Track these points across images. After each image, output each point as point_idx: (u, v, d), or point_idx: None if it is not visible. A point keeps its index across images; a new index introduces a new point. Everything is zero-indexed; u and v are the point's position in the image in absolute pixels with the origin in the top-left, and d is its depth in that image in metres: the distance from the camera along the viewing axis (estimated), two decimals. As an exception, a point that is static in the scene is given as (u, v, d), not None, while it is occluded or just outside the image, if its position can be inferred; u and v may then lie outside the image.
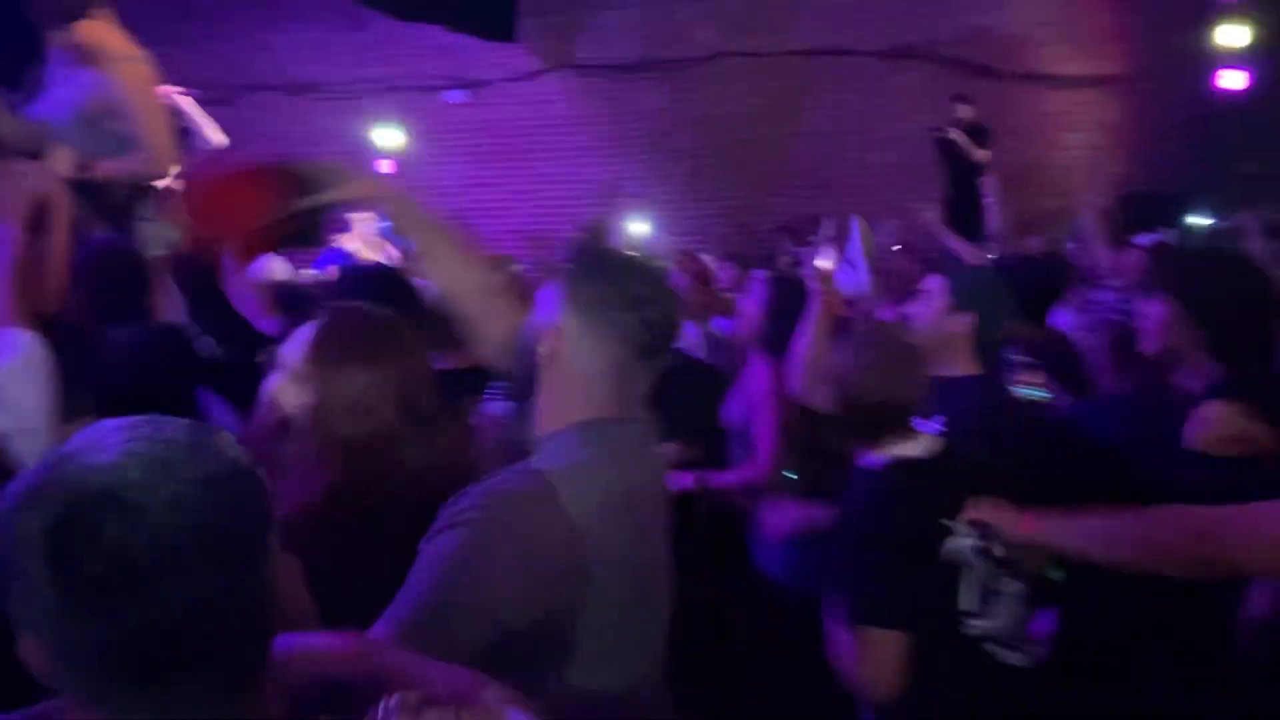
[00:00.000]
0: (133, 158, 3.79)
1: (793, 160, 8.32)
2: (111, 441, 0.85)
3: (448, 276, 1.76)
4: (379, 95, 8.72)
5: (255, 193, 1.77)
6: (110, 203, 3.72)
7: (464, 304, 1.74)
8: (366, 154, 8.33)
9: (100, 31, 3.94)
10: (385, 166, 8.08)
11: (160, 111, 4.10)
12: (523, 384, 1.48)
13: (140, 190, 3.79)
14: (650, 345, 1.46)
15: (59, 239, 2.07)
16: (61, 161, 3.68)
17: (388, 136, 8.55)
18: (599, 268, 1.53)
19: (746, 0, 8.55)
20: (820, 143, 8.27)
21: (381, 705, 0.82)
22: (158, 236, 3.63)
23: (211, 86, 8.12)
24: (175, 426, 0.88)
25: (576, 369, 1.46)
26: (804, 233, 5.95)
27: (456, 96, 8.74)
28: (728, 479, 3.00)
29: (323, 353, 1.60)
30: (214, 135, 4.36)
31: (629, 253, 1.79)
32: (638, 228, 7.92)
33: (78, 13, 3.80)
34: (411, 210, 1.80)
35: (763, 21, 8.50)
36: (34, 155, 3.62)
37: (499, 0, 7.94)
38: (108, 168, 3.74)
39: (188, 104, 4.57)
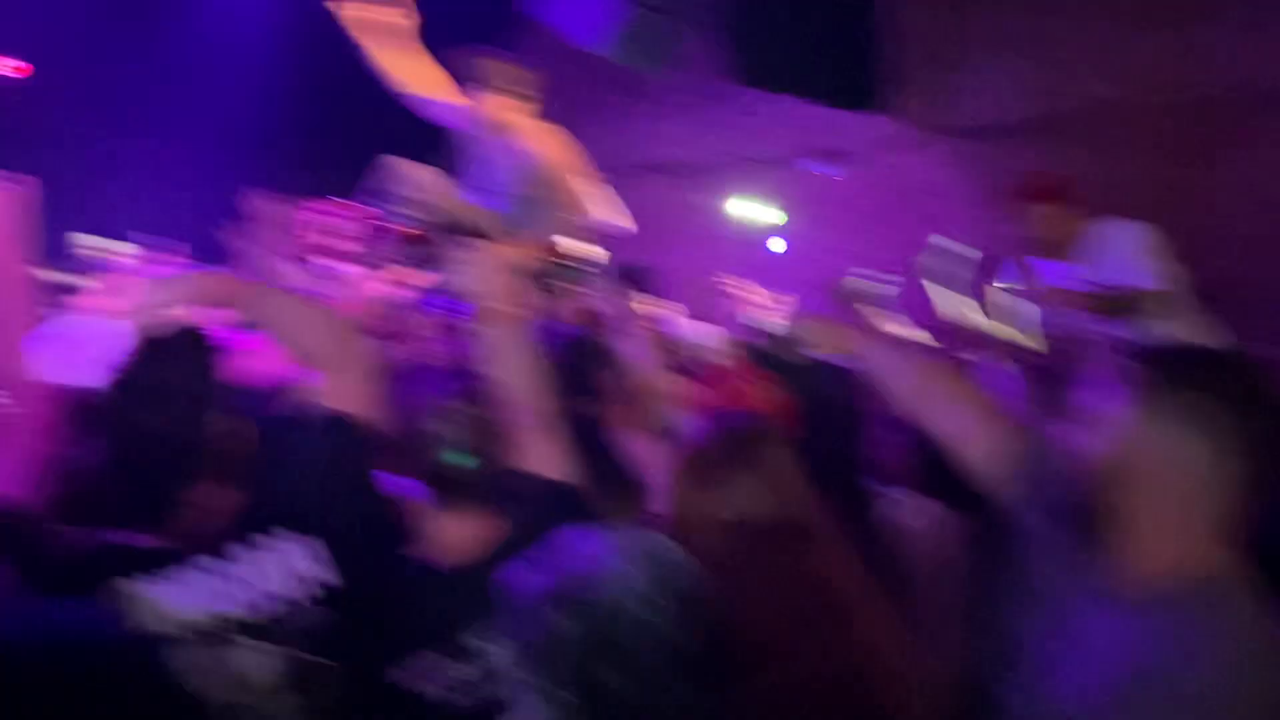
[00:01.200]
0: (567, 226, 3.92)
1: (1208, 223, 7.32)
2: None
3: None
4: (742, 170, 8.72)
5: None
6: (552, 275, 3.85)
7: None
8: (731, 231, 8.34)
9: (509, 105, 4.08)
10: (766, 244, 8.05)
11: (580, 178, 4.21)
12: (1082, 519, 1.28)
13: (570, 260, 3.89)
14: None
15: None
16: (528, 244, 3.80)
17: (752, 211, 8.51)
18: (1187, 362, 1.24)
19: (1155, 40, 7.66)
20: (1246, 200, 7.21)
21: None
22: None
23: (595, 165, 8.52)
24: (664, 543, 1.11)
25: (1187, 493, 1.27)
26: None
27: (822, 168, 8.55)
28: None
29: None
30: (622, 220, 4.34)
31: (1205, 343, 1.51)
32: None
33: (487, 84, 4.02)
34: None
35: (1168, 64, 7.61)
36: (484, 237, 3.83)
37: (861, 68, 7.70)
38: (561, 243, 3.92)
39: (596, 184, 4.65)
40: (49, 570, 1.53)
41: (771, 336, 3.90)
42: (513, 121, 4.13)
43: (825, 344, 2.17)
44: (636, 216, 8.49)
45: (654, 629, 1.02)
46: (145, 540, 1.58)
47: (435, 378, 2.32)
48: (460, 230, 4.08)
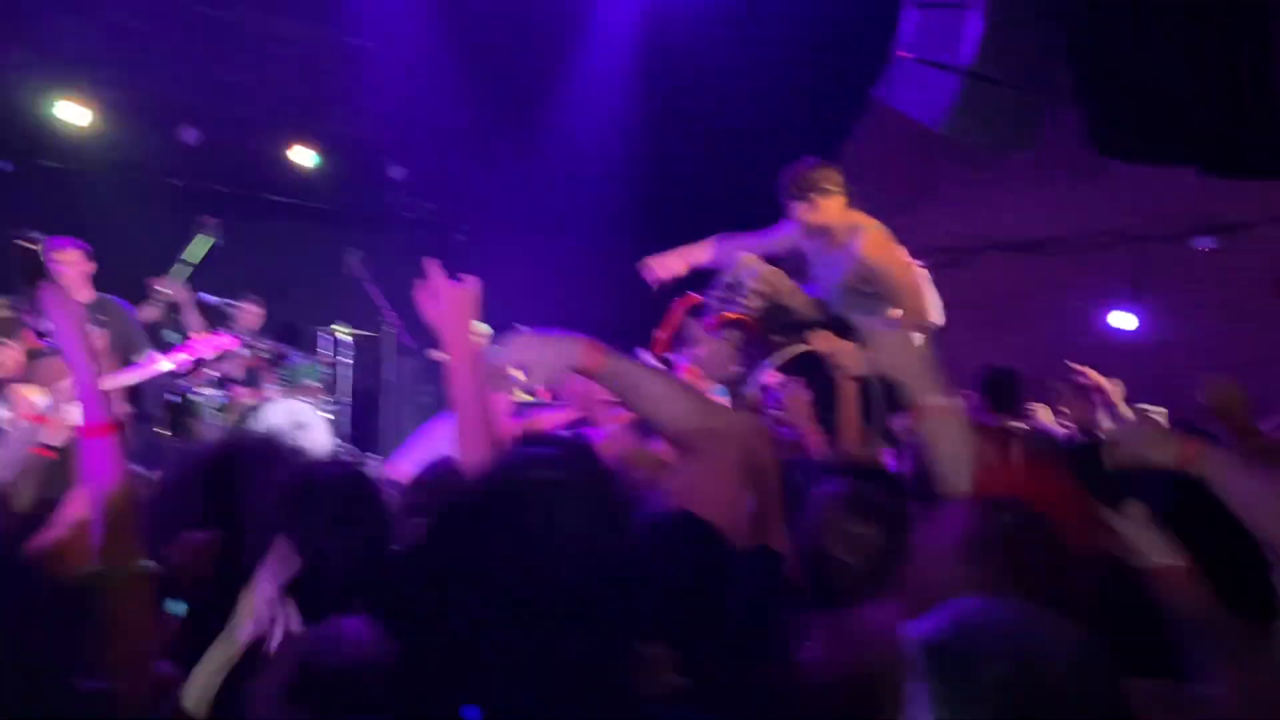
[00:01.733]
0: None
1: None
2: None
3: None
4: (1112, 248, 8.05)
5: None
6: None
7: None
8: (1081, 312, 7.72)
9: (833, 208, 4.28)
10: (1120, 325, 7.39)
11: (907, 269, 4.28)
12: None
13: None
14: None
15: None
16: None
17: (1106, 291, 7.84)
18: None
19: None
20: None
21: None
22: None
23: (929, 250, 8.22)
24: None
25: None
26: None
27: (1205, 243, 7.72)
28: None
29: None
30: (935, 316, 4.26)
31: None
32: None
33: (811, 191, 4.23)
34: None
35: None
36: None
37: (1251, 129, 6.87)
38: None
39: (921, 276, 4.61)
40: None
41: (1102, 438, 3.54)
42: (840, 221, 4.32)
43: (1163, 458, 1.87)
44: (986, 296, 8.13)
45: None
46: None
47: (819, 475, 2.26)
48: (793, 319, 4.28)
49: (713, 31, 7.68)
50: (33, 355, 4.99)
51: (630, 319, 4.59)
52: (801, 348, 4.26)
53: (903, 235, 8.13)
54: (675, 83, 8.19)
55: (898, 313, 4.13)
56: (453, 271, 2.08)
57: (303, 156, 8.55)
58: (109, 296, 5.56)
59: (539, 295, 8.77)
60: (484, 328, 8.69)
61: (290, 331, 8.02)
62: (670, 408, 1.86)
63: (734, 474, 1.85)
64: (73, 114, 7.54)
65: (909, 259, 4.36)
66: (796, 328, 4.31)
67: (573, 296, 8.08)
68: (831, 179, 4.33)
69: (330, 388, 7.59)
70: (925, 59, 6.10)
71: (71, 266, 5.28)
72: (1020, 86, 5.96)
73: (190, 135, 7.95)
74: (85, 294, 5.34)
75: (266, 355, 7.20)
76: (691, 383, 3.23)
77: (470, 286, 2.05)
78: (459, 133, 8.26)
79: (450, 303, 2.01)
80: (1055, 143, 7.41)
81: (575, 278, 8.48)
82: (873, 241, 4.27)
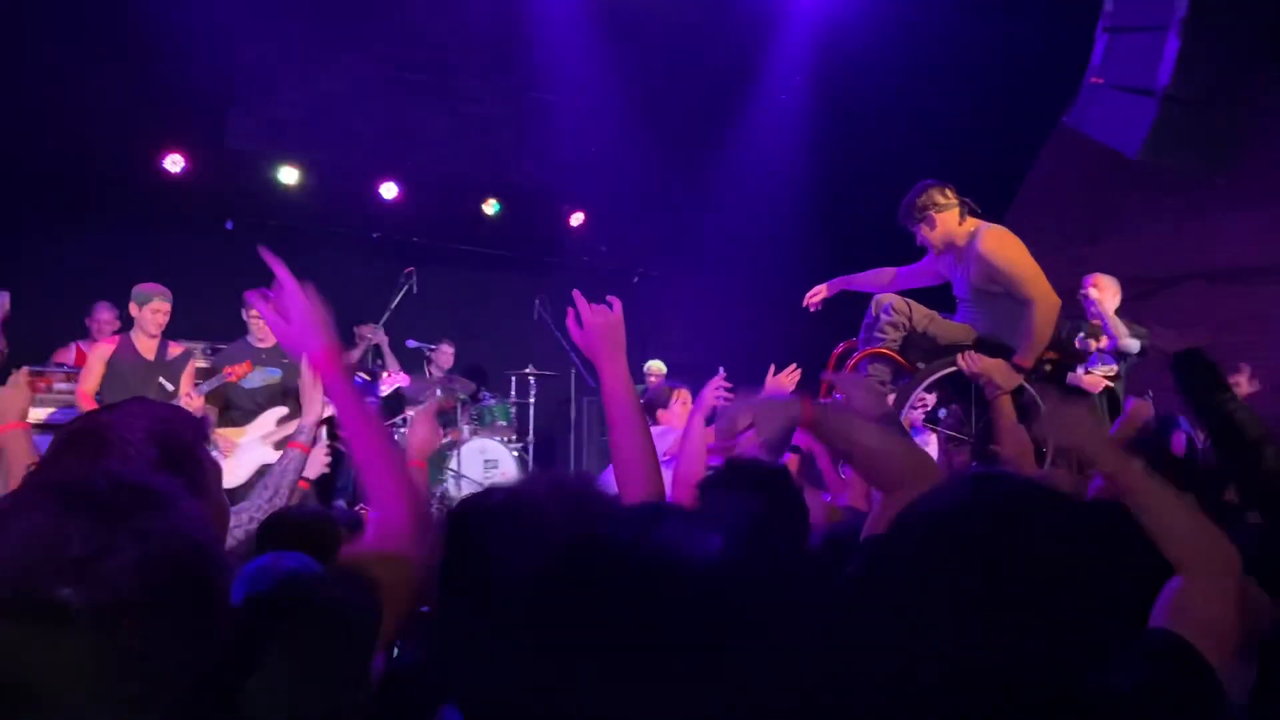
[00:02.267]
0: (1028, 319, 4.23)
1: None
2: None
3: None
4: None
5: None
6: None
7: None
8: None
9: (950, 221, 4.42)
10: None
11: (1025, 257, 4.35)
12: None
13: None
14: None
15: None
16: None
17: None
18: None
19: None
20: None
21: None
22: None
23: (1129, 279, 7.87)
24: None
25: None
26: None
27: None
28: None
29: None
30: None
31: None
32: None
33: (928, 209, 4.41)
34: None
35: None
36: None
37: None
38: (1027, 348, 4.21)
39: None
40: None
41: None
42: (960, 231, 4.45)
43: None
44: (1195, 327, 7.65)
45: None
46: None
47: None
48: (936, 345, 4.40)
49: (892, 60, 7.63)
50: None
51: (810, 353, 4.63)
52: (948, 369, 4.35)
53: (1090, 265, 7.84)
54: (852, 112, 8.18)
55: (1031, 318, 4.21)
56: (628, 314, 2.11)
57: (490, 206, 8.97)
58: None
59: (718, 332, 8.91)
60: (660, 365, 8.78)
61: (481, 373, 8.37)
62: (883, 453, 1.93)
63: None
64: (285, 175, 8.18)
65: (1025, 251, 4.39)
66: (940, 352, 4.40)
67: (752, 331, 8.14)
68: (944, 194, 4.43)
69: (519, 428, 7.87)
70: (1120, 84, 5.90)
71: (258, 318, 5.71)
72: (1221, 106, 5.69)
73: (390, 191, 8.47)
74: (270, 340, 5.79)
75: (461, 396, 7.54)
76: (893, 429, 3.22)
77: (614, 312, 2.06)
78: (635, 176, 8.47)
79: (596, 330, 2.04)
80: (1264, 162, 7.02)
81: (753, 313, 8.53)
82: (991, 236, 4.36)
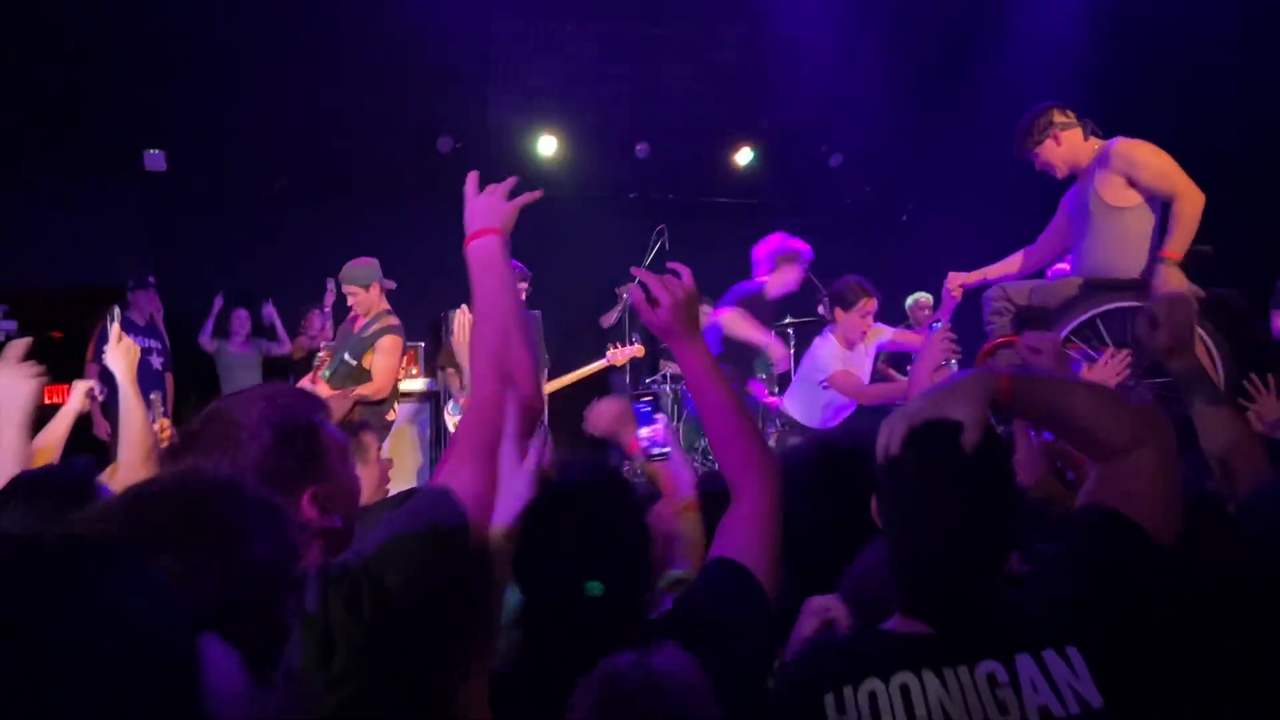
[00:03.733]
0: None
1: None
2: None
3: None
4: None
5: None
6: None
7: None
8: None
9: (1076, 139, 4.35)
10: None
11: (1160, 153, 4.18)
12: None
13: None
14: None
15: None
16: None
17: None
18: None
19: None
20: None
21: None
22: None
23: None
24: None
25: None
26: None
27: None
28: None
29: None
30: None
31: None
32: None
33: (1050, 128, 4.35)
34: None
35: None
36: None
37: None
38: None
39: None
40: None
41: None
42: (1085, 149, 4.38)
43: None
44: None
45: None
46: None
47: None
48: (1046, 312, 4.27)
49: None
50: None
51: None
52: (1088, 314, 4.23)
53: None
54: (1126, 36, 7.32)
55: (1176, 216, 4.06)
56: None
57: (743, 155, 8.86)
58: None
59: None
60: (927, 297, 8.29)
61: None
62: (1103, 415, 1.63)
63: (1165, 475, 1.60)
64: (544, 145, 8.49)
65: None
66: (1058, 314, 4.27)
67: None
68: (1065, 113, 4.38)
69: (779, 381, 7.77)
70: None
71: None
72: None
73: (642, 150, 8.58)
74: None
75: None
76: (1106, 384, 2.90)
77: (685, 283, 1.89)
78: (892, 113, 8.04)
79: (670, 308, 1.88)
80: None
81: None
82: (1125, 140, 4.25)
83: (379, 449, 2.96)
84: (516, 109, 8.30)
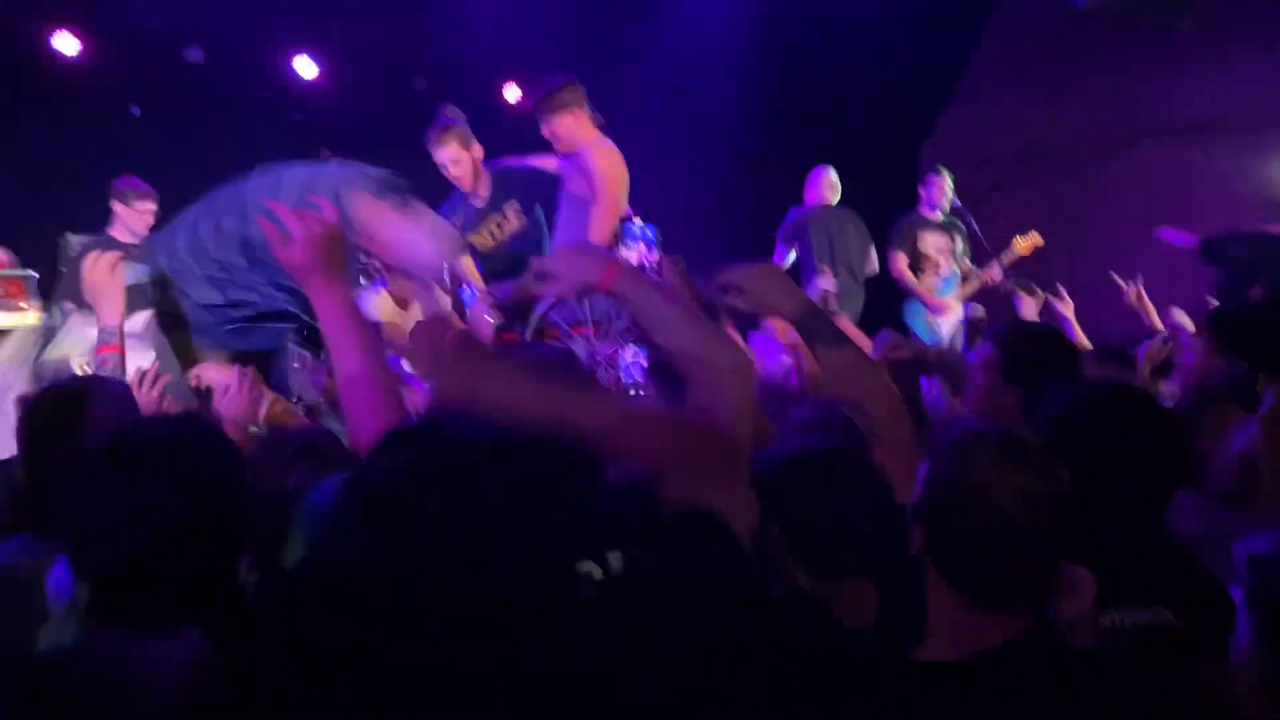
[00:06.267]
0: None
1: None
2: None
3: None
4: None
5: None
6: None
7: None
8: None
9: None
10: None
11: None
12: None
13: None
14: None
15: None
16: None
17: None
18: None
19: None
20: None
21: None
22: None
23: (1098, 136, 7.51)
24: None
25: None
26: None
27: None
28: None
29: None
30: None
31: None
32: None
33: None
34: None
35: None
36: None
37: None
38: None
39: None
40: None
41: None
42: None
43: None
44: (1159, 186, 7.37)
45: None
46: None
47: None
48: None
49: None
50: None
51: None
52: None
53: (1051, 124, 7.44)
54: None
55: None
56: None
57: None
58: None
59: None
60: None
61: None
62: (679, 335, 1.66)
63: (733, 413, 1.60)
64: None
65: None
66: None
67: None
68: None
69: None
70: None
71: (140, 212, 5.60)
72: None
73: (308, 69, 7.96)
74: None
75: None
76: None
77: (328, 220, 1.78)
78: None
79: (308, 244, 1.73)
80: (1224, 13, 6.62)
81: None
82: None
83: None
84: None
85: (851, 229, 6.88)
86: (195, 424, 1.53)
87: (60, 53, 7.20)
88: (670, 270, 2.49)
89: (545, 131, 4.64)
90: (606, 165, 4.53)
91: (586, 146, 4.58)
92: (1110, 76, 7.79)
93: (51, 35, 7.16)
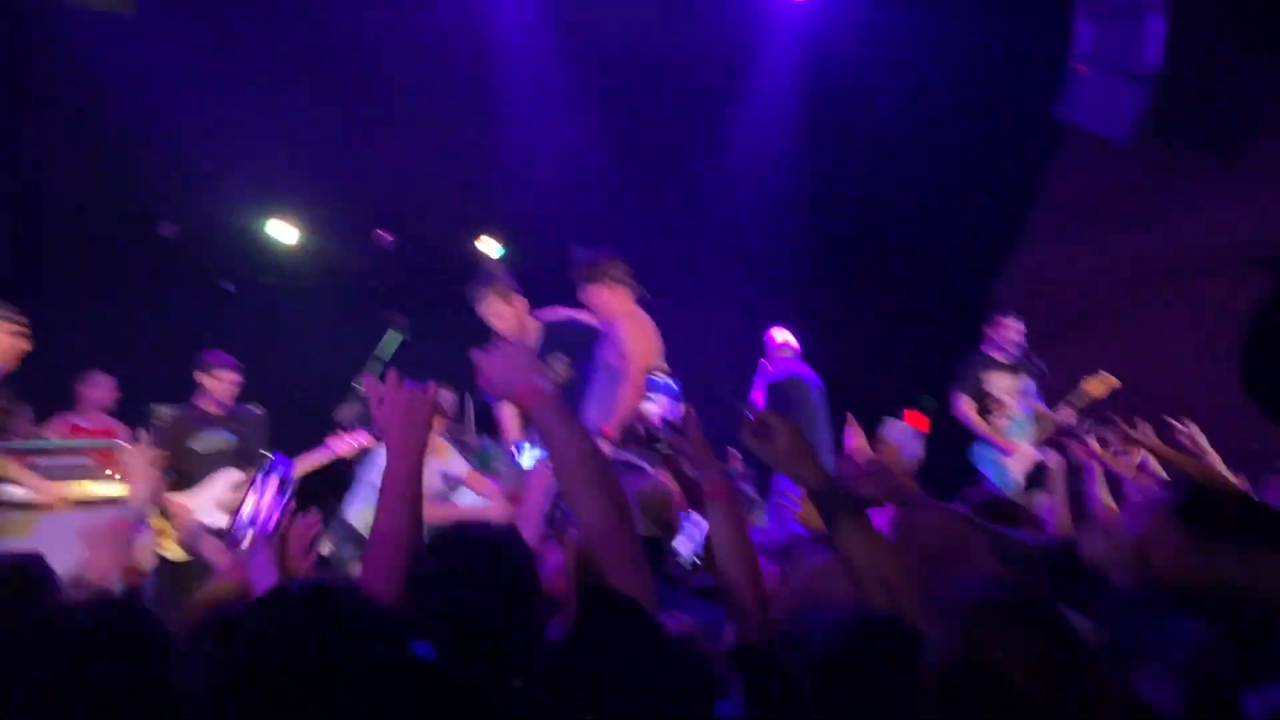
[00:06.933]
0: None
1: None
2: None
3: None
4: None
5: None
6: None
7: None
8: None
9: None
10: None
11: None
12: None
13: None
14: None
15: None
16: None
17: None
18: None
19: None
20: None
21: None
22: None
23: (1153, 271, 7.35)
24: None
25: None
26: None
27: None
28: None
29: None
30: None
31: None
32: None
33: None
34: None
35: None
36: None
37: None
38: None
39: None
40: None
41: None
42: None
43: None
44: (1222, 318, 7.15)
45: None
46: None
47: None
48: None
49: (878, 75, 7.33)
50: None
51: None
52: None
53: (1122, 259, 7.26)
54: (843, 128, 7.87)
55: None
56: None
57: (489, 246, 8.85)
58: (246, 407, 5.83)
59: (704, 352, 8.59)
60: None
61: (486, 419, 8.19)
62: (568, 475, 1.79)
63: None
64: (282, 233, 8.20)
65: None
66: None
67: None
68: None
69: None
70: (1106, 69, 5.54)
71: (222, 381, 5.63)
72: (1218, 88, 5.29)
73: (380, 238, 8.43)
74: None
75: (467, 441, 7.36)
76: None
77: (426, 393, 1.99)
78: (620, 207, 8.24)
79: (395, 406, 1.95)
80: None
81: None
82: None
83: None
84: (251, 193, 8.00)
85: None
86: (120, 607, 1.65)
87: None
88: (693, 425, 2.57)
89: (581, 297, 4.78)
90: (635, 342, 4.60)
91: (619, 319, 4.68)
92: (1170, 206, 7.71)
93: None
